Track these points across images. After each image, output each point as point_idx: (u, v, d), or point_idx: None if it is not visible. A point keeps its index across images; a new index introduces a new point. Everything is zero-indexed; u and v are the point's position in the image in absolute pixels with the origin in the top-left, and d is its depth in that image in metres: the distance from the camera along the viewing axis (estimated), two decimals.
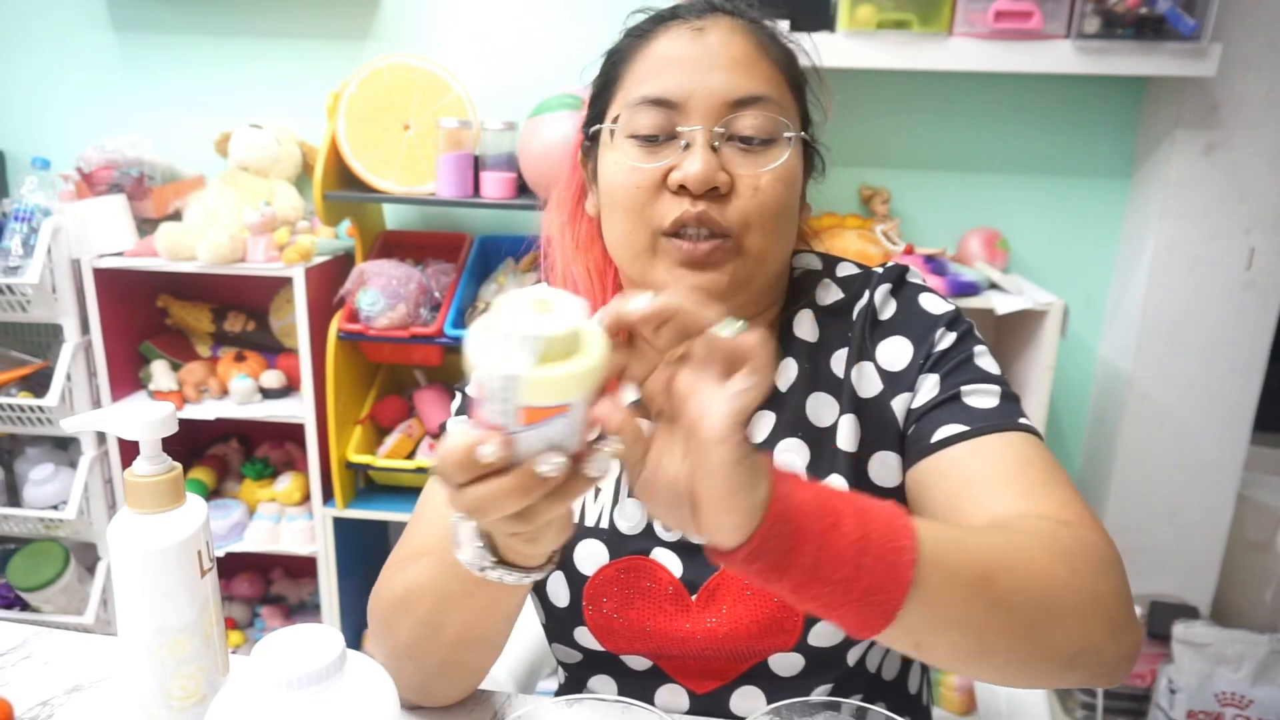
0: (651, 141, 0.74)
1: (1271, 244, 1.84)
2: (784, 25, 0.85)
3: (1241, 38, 1.74)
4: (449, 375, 2.05)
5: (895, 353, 0.77)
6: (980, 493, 0.67)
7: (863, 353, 0.78)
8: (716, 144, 0.72)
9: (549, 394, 0.45)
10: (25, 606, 2.00)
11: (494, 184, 1.76)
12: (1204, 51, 1.65)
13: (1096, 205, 1.97)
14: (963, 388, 0.73)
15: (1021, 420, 0.71)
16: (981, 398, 0.72)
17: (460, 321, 1.81)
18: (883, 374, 0.77)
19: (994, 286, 1.82)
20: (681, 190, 0.72)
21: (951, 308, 0.79)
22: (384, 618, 0.72)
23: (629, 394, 0.51)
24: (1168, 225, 1.85)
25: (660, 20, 0.77)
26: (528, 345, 0.44)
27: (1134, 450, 1.96)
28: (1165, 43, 1.66)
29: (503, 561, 0.58)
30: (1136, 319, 1.91)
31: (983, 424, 0.70)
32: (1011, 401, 0.73)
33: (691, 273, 0.73)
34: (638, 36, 0.78)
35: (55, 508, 1.98)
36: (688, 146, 0.72)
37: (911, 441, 0.74)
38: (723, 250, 0.73)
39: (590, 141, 0.81)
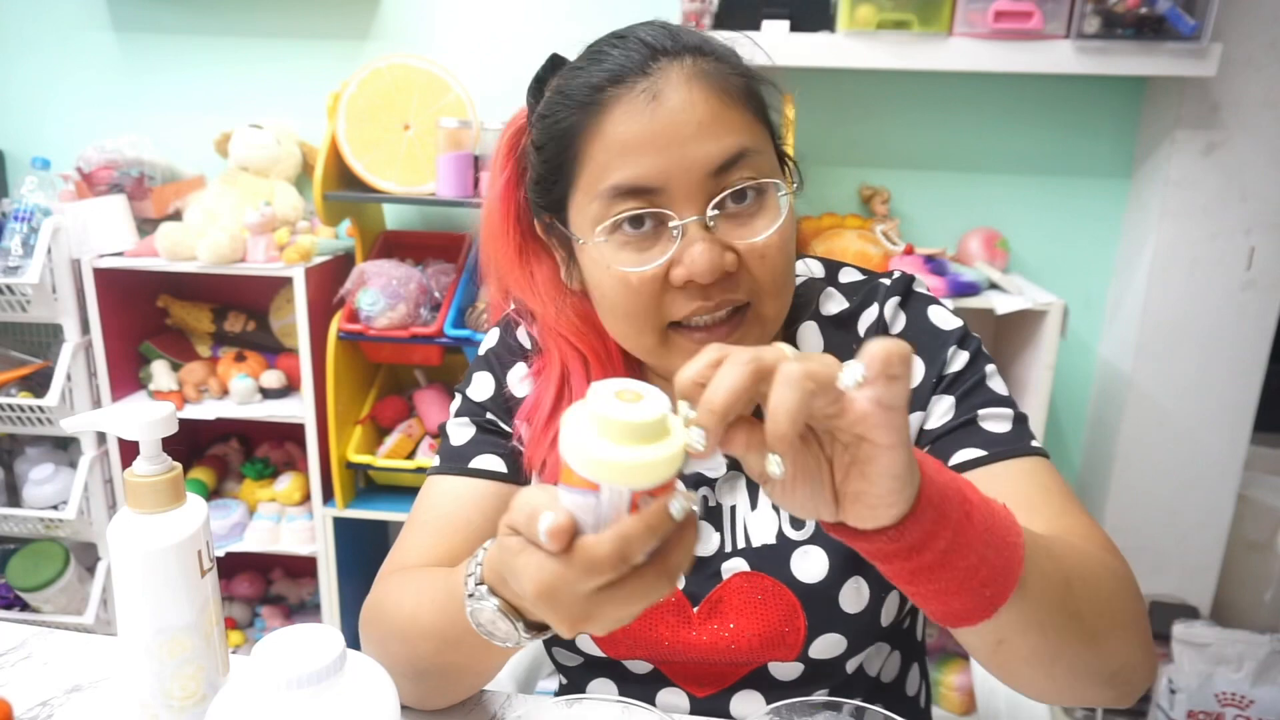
0: (639, 234, 0.68)
1: (1271, 244, 1.84)
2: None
3: (1241, 38, 1.74)
4: (449, 375, 2.05)
5: None
6: None
7: None
8: (711, 223, 0.67)
9: (653, 476, 0.45)
10: (25, 606, 2.00)
11: None
12: (1204, 51, 1.65)
13: (1096, 205, 1.97)
14: (979, 411, 0.73)
15: (1034, 444, 0.72)
16: (996, 422, 0.73)
17: (460, 321, 1.81)
18: None
19: (994, 286, 1.82)
20: (689, 283, 0.68)
21: (960, 323, 0.78)
22: (380, 639, 0.72)
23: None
24: (1168, 225, 1.85)
25: (602, 89, 0.68)
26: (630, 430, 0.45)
27: (1134, 450, 1.96)
28: (1165, 43, 1.66)
29: (531, 624, 0.57)
30: (1136, 319, 1.91)
31: (999, 449, 0.71)
32: (1022, 424, 0.73)
33: None
34: (583, 109, 0.69)
35: (55, 508, 1.98)
36: (682, 234, 0.67)
37: None
38: (741, 326, 0.70)
39: (551, 221, 0.76)
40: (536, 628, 0.57)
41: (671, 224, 0.67)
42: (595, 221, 0.69)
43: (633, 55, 0.68)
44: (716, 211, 0.67)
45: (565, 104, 0.70)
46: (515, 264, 0.80)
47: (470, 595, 0.58)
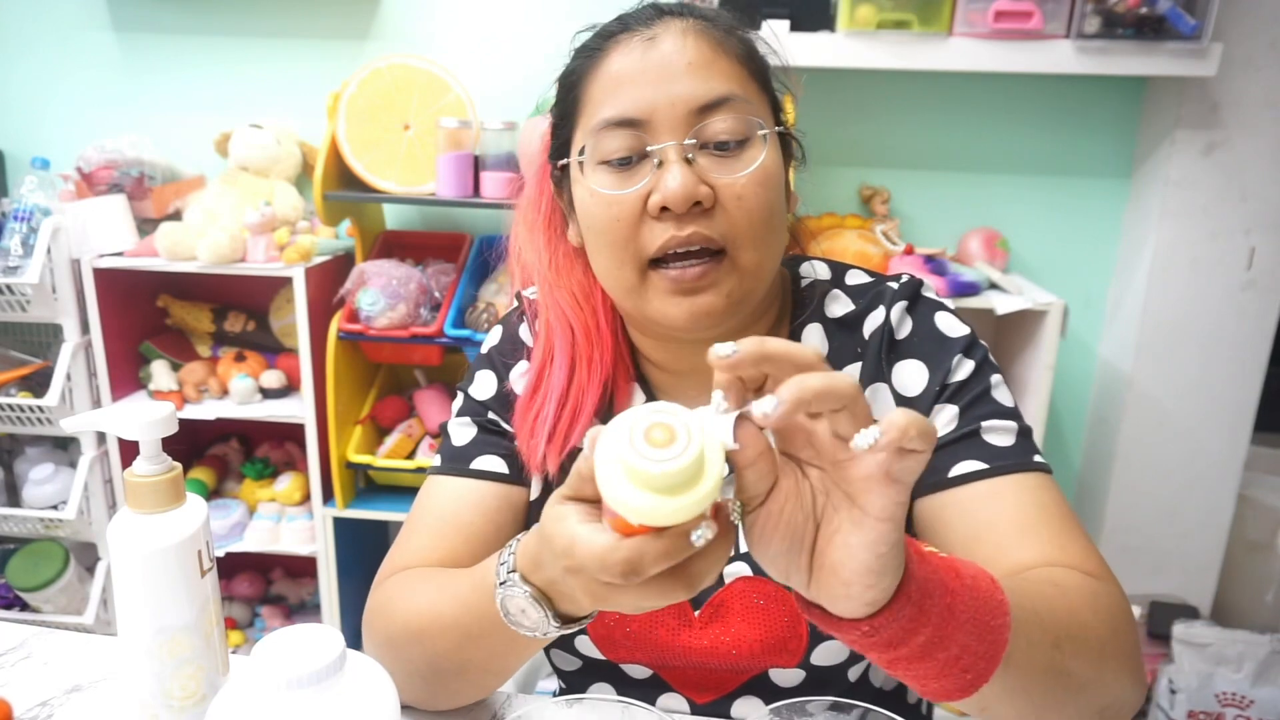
0: (624, 165, 0.70)
1: (1271, 244, 1.84)
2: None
3: (1241, 38, 1.74)
4: (449, 375, 2.05)
5: (910, 376, 0.76)
6: (1002, 540, 0.67)
7: (878, 374, 0.76)
8: (691, 156, 0.68)
9: (678, 518, 0.45)
10: (25, 606, 2.00)
11: (494, 184, 1.76)
12: (1204, 51, 1.65)
13: (1096, 205, 1.97)
14: (982, 424, 0.72)
15: (1036, 459, 0.72)
16: (1000, 435, 0.72)
17: (460, 321, 1.81)
18: (898, 398, 0.76)
19: (994, 286, 1.82)
20: (664, 213, 0.68)
21: (967, 330, 0.77)
22: (391, 640, 0.71)
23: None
24: (1168, 225, 1.85)
25: (609, 35, 0.73)
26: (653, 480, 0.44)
27: (1134, 450, 1.96)
28: (1165, 43, 1.66)
29: (563, 618, 0.58)
30: (1136, 319, 1.91)
31: (1001, 464, 0.70)
32: (1027, 438, 0.73)
33: (685, 298, 0.70)
34: (588, 56, 0.74)
35: (55, 508, 1.98)
36: (661, 164, 0.68)
37: (926, 472, 0.73)
38: (716, 270, 0.70)
39: (561, 172, 0.78)
40: (566, 619, 0.58)
41: (650, 148, 0.69)
42: (588, 157, 0.72)
43: (643, 13, 0.74)
44: (694, 141, 0.69)
45: (576, 54, 0.76)
46: (538, 230, 0.82)
47: (502, 583, 0.58)
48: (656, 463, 0.43)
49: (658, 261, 0.71)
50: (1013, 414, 0.74)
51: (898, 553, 0.46)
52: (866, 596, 0.46)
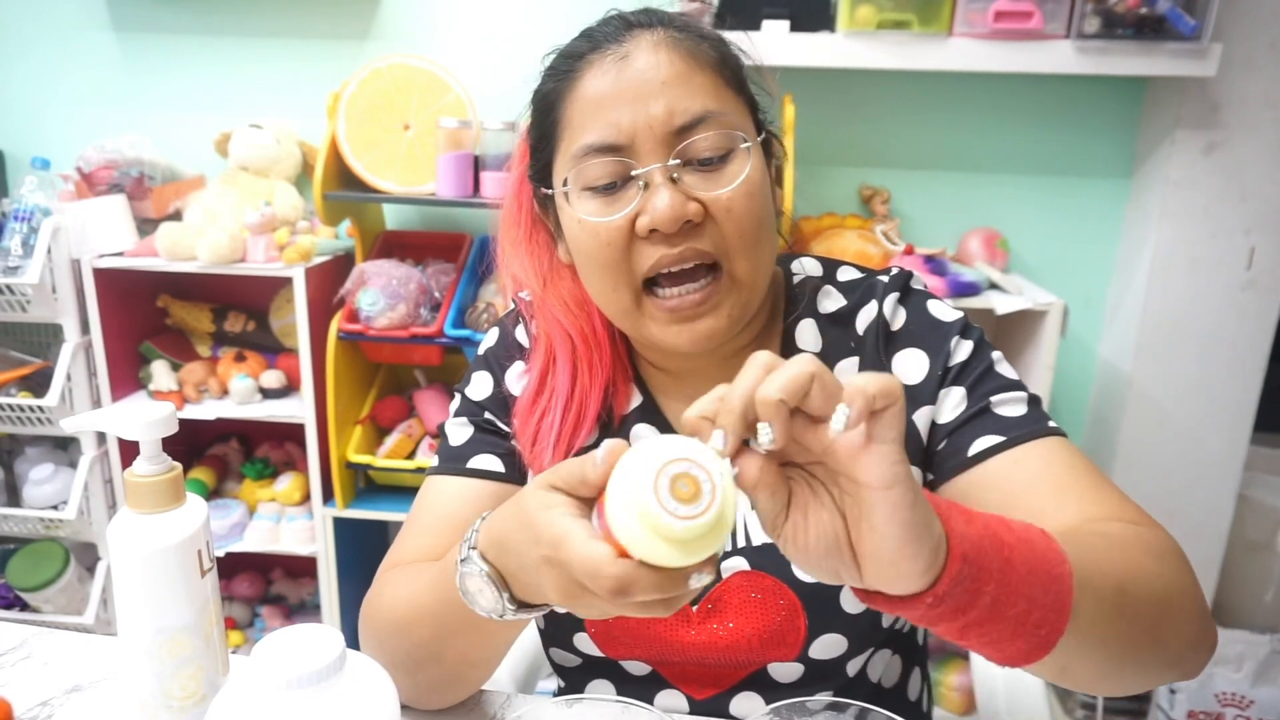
0: (609, 190, 0.70)
1: (1271, 244, 1.84)
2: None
3: (1241, 38, 1.74)
4: (449, 375, 2.05)
5: (911, 365, 0.76)
6: (1037, 505, 0.67)
7: (877, 366, 0.77)
8: (676, 175, 0.69)
9: (683, 564, 0.46)
10: (25, 606, 2.00)
11: (494, 184, 1.76)
12: (1204, 51, 1.65)
13: (1096, 205, 1.97)
14: (991, 399, 0.73)
15: (1051, 424, 0.72)
16: (1011, 407, 0.72)
17: (460, 321, 1.81)
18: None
19: (994, 286, 1.82)
20: (654, 234, 0.69)
21: (960, 314, 0.78)
22: (378, 633, 0.72)
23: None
24: (1168, 225, 1.85)
25: (580, 56, 0.72)
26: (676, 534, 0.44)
27: (1134, 450, 1.96)
28: (1165, 43, 1.66)
29: (520, 603, 0.58)
30: (1136, 319, 1.91)
31: (1018, 433, 0.70)
32: (1037, 406, 0.73)
33: (687, 325, 0.71)
34: (561, 78, 0.73)
35: (55, 508, 1.98)
36: (647, 186, 0.69)
37: (945, 456, 0.74)
38: (715, 291, 0.70)
39: (545, 196, 0.78)
40: (523, 605, 0.58)
41: (634, 171, 0.69)
42: (572, 184, 0.71)
43: (610, 28, 0.73)
44: (678, 161, 0.69)
45: (548, 75, 0.75)
46: (521, 247, 0.82)
47: (462, 560, 0.58)
48: (678, 519, 0.43)
49: (651, 282, 0.71)
50: (1019, 385, 0.74)
51: (923, 511, 0.45)
52: (916, 568, 0.45)
